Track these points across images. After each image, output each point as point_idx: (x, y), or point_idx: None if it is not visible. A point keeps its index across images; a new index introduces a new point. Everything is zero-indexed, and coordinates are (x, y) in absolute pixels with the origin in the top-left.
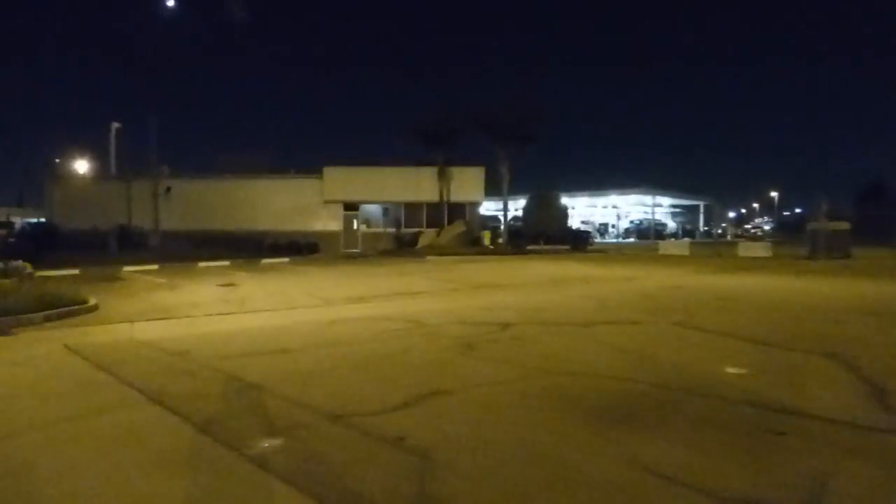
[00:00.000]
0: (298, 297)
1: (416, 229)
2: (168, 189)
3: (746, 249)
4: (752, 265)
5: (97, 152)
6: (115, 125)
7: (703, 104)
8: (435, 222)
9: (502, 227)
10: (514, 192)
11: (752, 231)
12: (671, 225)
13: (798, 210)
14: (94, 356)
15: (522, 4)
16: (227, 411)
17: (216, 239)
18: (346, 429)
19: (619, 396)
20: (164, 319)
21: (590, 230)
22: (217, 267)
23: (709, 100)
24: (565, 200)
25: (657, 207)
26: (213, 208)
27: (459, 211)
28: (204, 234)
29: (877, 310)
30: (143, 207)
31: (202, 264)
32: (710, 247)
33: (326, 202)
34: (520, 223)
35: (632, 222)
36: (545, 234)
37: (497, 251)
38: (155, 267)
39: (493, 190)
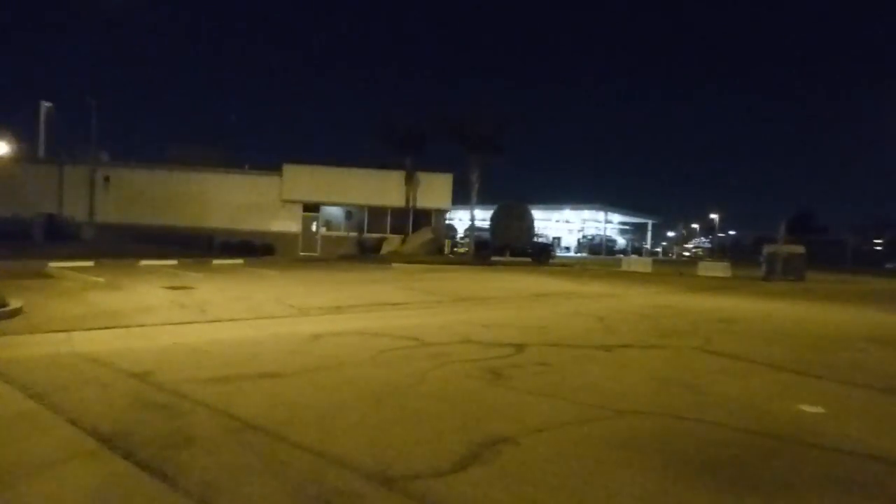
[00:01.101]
0: (266, 305)
1: (379, 235)
2: (107, 178)
3: (706, 269)
4: (719, 285)
5: (27, 135)
6: (46, 104)
7: (651, 128)
8: (399, 228)
9: (459, 236)
10: (485, 201)
11: (694, 250)
12: (621, 241)
13: (732, 232)
14: (21, 378)
15: (498, 16)
16: (233, 471)
17: (160, 235)
18: (414, 502)
19: (711, 445)
20: (112, 328)
21: (551, 244)
22: (163, 266)
23: (658, 123)
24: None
25: (607, 224)
26: (158, 202)
27: (425, 218)
28: (146, 229)
29: (882, 337)
30: (76, 196)
31: (145, 262)
32: (669, 265)
33: (285, 202)
34: (481, 233)
35: (584, 237)
36: (513, 245)
37: (464, 261)
38: (90, 263)
39: (455, 199)
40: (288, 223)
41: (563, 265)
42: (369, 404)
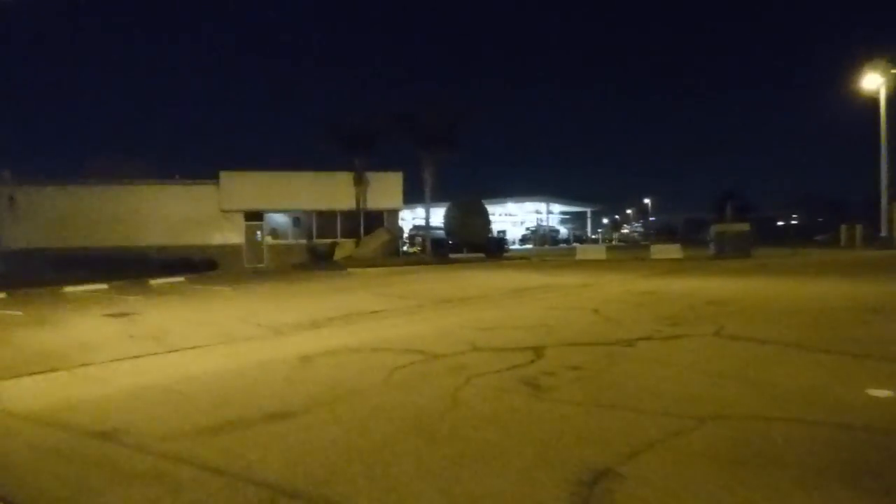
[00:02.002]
0: (231, 326)
1: (330, 240)
2: (11, 198)
3: (659, 252)
4: (679, 267)
5: None
6: None
7: (590, 121)
8: (351, 232)
9: (404, 236)
10: (420, 200)
11: (631, 234)
12: (563, 231)
13: (663, 215)
14: None
15: (440, 13)
16: None
17: (84, 258)
18: None
19: (823, 447)
20: (48, 372)
21: (506, 238)
22: (93, 292)
23: (597, 116)
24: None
25: (548, 214)
26: (78, 222)
27: (377, 219)
28: (67, 252)
29: (876, 307)
30: None
31: (70, 289)
32: (620, 251)
33: (224, 212)
34: (425, 232)
35: (528, 229)
36: (470, 242)
37: (422, 261)
38: (1, 296)
39: (406, 198)
40: (229, 234)
41: (522, 258)
42: (417, 441)
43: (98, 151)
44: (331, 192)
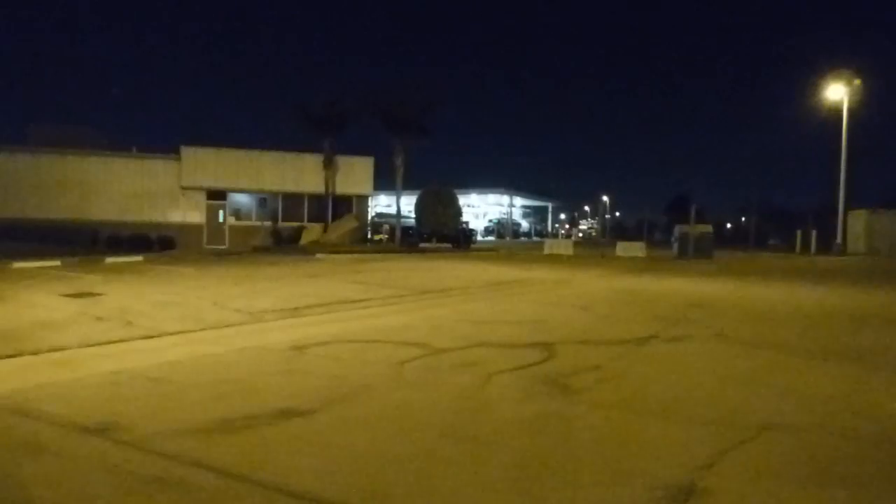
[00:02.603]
0: (205, 311)
1: (296, 224)
2: None
3: (625, 250)
4: (650, 266)
5: None
6: None
7: (559, 116)
8: (318, 216)
9: (369, 221)
10: (385, 187)
11: (589, 231)
12: (525, 224)
13: (617, 213)
14: None
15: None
16: None
17: (29, 230)
18: None
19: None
20: (16, 357)
21: (473, 230)
22: (45, 268)
23: (552, 110)
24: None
25: (509, 207)
26: (24, 191)
27: (345, 205)
28: (8, 223)
29: (856, 314)
30: None
31: (19, 264)
32: (586, 247)
33: (185, 189)
34: (389, 220)
35: (490, 221)
36: (440, 232)
37: (391, 249)
38: None
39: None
40: (189, 213)
41: (489, 250)
42: (459, 448)
43: (44, 120)
44: (298, 174)
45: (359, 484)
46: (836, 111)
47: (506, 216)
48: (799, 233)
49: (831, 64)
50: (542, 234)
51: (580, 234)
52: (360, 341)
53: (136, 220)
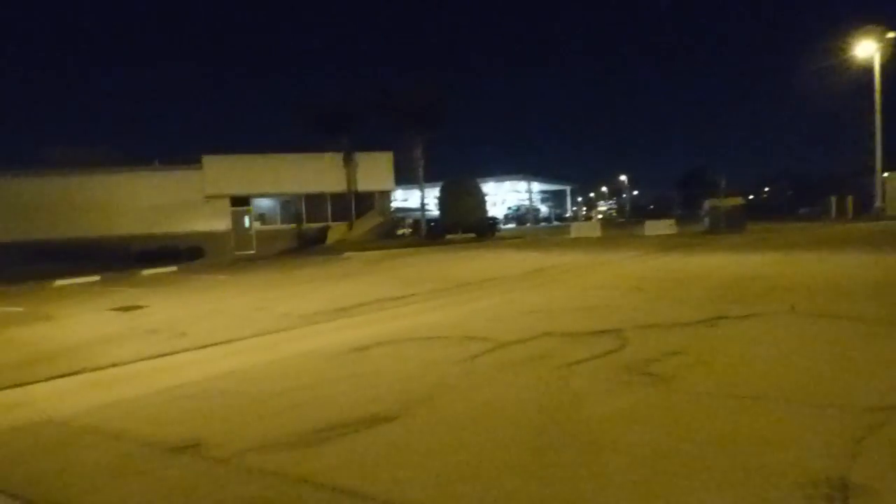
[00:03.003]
0: (253, 317)
1: (321, 224)
2: None
3: (653, 228)
4: (684, 243)
5: None
6: None
7: (558, 96)
8: (341, 215)
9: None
10: (412, 181)
11: (609, 211)
12: (544, 210)
13: (635, 193)
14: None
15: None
16: None
17: (61, 249)
18: None
19: None
20: (78, 374)
21: (498, 219)
22: (86, 284)
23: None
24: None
25: (527, 193)
26: (55, 212)
27: (368, 201)
28: (42, 244)
29: None
30: None
31: (61, 282)
32: (610, 228)
33: (209, 197)
34: (410, 213)
35: (509, 208)
36: (464, 222)
37: (418, 242)
38: None
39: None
40: (215, 221)
41: (514, 238)
42: (568, 450)
43: (55, 140)
44: (319, 174)
45: (477, 496)
46: (867, 69)
47: (525, 202)
48: (833, 199)
49: (855, 21)
50: (561, 218)
51: (599, 216)
52: (419, 339)
53: (163, 232)
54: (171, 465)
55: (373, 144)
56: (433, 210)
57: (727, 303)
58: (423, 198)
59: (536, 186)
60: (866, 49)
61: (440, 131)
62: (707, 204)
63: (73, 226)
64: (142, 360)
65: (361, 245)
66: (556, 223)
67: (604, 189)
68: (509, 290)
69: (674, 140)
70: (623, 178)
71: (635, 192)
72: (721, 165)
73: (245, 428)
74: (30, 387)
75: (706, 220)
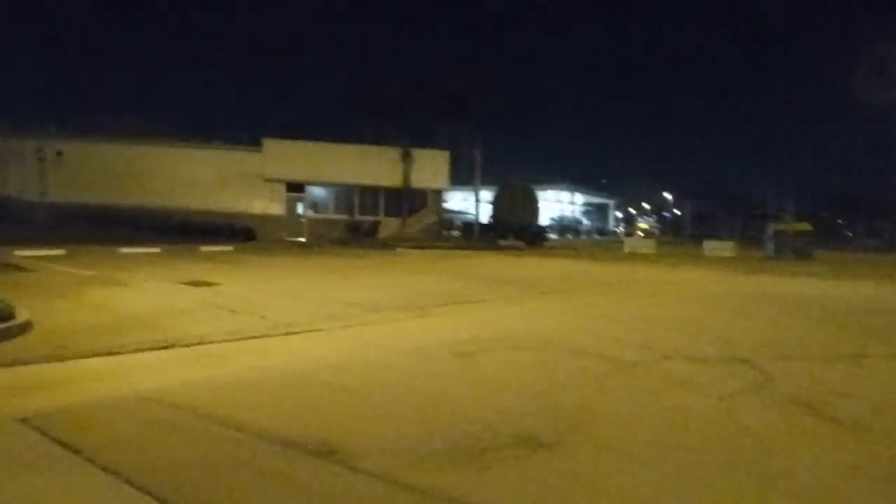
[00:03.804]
0: (326, 304)
1: (372, 217)
2: (59, 153)
3: (712, 249)
4: (752, 267)
5: None
6: None
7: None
8: (393, 210)
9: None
10: (465, 182)
11: (652, 229)
12: (586, 222)
13: (676, 211)
14: (104, 455)
15: None
16: None
17: (119, 216)
18: None
19: None
20: (166, 348)
21: (546, 227)
22: (147, 254)
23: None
24: (484, 194)
25: (570, 205)
26: (120, 179)
27: (421, 199)
28: (105, 209)
29: None
30: (19, 173)
31: (125, 250)
32: (668, 245)
33: (267, 180)
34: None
35: (552, 219)
36: (518, 228)
37: (471, 245)
38: (61, 252)
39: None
40: (271, 205)
41: (564, 248)
42: (784, 496)
43: (120, 111)
44: (375, 167)
45: None
46: None
47: (567, 214)
48: None
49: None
50: (602, 232)
51: (640, 233)
52: (526, 349)
53: (219, 210)
54: (315, 474)
55: (430, 140)
56: (470, 213)
57: (853, 335)
58: (477, 199)
59: (580, 198)
60: None
61: (489, 127)
62: (771, 227)
63: (134, 194)
64: (230, 339)
65: (413, 242)
66: (596, 237)
67: (645, 205)
68: (592, 301)
69: (711, 155)
70: (667, 195)
71: (676, 212)
72: (755, 183)
73: (378, 434)
74: (118, 357)
75: (769, 246)
